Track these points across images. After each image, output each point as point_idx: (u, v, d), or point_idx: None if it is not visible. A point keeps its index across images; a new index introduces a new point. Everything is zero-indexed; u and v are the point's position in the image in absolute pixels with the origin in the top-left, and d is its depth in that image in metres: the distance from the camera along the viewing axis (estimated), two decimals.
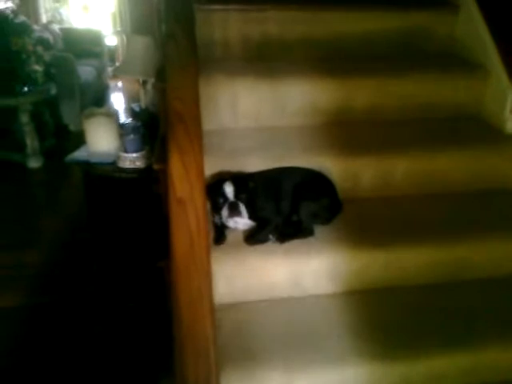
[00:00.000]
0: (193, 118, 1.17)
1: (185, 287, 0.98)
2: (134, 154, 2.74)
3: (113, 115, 2.94)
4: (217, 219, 1.89)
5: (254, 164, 2.00)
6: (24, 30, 4.70)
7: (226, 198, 1.80)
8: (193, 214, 1.04)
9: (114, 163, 2.81)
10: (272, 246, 1.83)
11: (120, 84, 6.97)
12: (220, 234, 1.86)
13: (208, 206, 1.91)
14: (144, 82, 3.14)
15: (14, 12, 5.18)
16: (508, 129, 2.24)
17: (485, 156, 2.17)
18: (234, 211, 1.80)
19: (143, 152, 2.77)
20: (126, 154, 2.74)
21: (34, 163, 4.68)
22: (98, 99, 6.06)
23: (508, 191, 2.20)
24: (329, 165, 2.04)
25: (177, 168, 1.08)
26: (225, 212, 1.81)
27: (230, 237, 1.87)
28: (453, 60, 2.55)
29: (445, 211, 2.07)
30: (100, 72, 6.61)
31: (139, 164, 2.75)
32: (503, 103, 2.26)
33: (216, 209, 1.86)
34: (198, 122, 1.19)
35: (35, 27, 5.78)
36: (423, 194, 2.16)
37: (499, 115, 2.28)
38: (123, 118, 3.01)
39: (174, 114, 1.17)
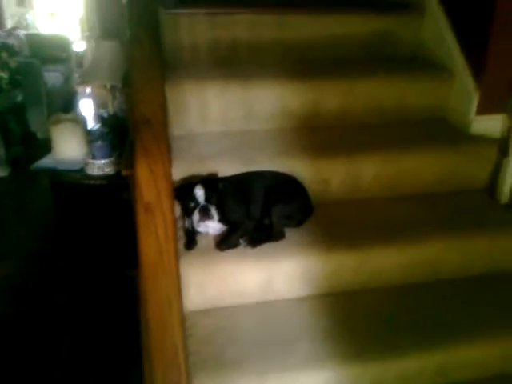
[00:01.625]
0: (159, 122, 1.15)
1: (153, 295, 0.96)
2: (103, 161, 2.70)
3: (80, 121, 2.89)
4: (187, 224, 1.87)
5: (224, 168, 1.98)
6: None
7: (196, 202, 1.78)
8: (160, 219, 1.03)
9: (81, 170, 2.76)
10: (243, 250, 1.82)
11: (88, 90, 6.88)
12: (191, 239, 1.84)
13: (178, 210, 1.89)
14: (112, 88, 3.10)
15: None
16: (473, 130, 2.28)
17: (451, 157, 2.20)
18: (206, 215, 1.78)
19: (112, 158, 2.73)
20: (94, 161, 2.70)
21: (1, 172, 4.58)
22: (66, 106, 5.95)
23: (475, 190, 2.24)
24: (299, 168, 2.04)
25: (143, 172, 1.06)
26: (196, 216, 1.79)
27: (201, 242, 1.85)
28: (419, 63, 2.59)
29: (414, 212, 2.09)
30: (67, 78, 6.51)
31: (108, 170, 2.71)
32: (468, 105, 2.29)
33: (187, 213, 1.83)
34: (165, 125, 1.18)
35: None
36: (393, 195, 2.17)
37: (465, 117, 2.31)
38: (91, 125, 2.95)
39: (140, 117, 1.15)
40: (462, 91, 2.34)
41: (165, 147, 1.12)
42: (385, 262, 1.90)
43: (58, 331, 2.58)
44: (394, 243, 1.91)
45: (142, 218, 1.03)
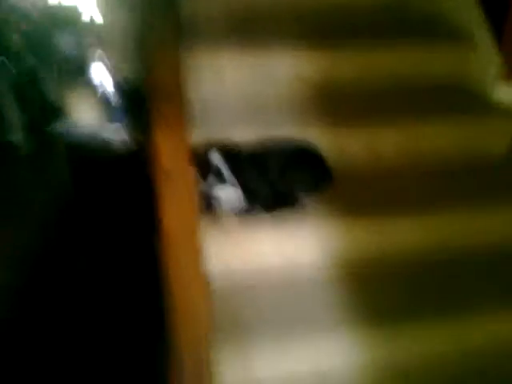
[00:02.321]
0: (176, 87, 1.13)
1: (176, 267, 0.96)
2: (118, 124, 2.69)
3: (94, 86, 2.87)
4: (203, 188, 1.87)
5: (241, 135, 1.97)
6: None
7: (212, 166, 1.79)
8: (181, 185, 1.02)
9: (97, 134, 2.76)
10: (263, 218, 1.82)
11: (103, 55, 6.80)
12: (207, 203, 1.84)
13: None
14: (126, 52, 3.06)
15: None
16: (495, 98, 2.23)
17: (471, 125, 2.17)
18: (220, 178, 1.79)
19: (127, 122, 2.71)
20: (109, 125, 2.69)
21: (15, 136, 4.59)
22: (80, 70, 5.91)
23: (498, 159, 2.20)
24: (317, 136, 2.02)
25: (162, 139, 1.05)
26: (211, 179, 1.79)
27: (218, 207, 1.85)
28: (439, 29, 2.51)
29: (437, 183, 2.06)
30: (80, 43, 6.46)
31: (123, 134, 2.70)
32: (490, 72, 2.24)
33: (202, 176, 1.83)
34: (182, 90, 1.16)
35: None
36: (412, 165, 2.14)
37: (486, 85, 2.26)
38: (107, 89, 2.94)
39: (156, 83, 1.13)
40: (483, 58, 2.29)
41: (182, 113, 1.11)
42: (406, 235, 1.90)
43: (76, 303, 2.60)
44: (415, 213, 1.91)
45: (162, 185, 1.02)
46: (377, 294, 1.76)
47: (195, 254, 0.97)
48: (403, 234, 1.89)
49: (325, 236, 1.84)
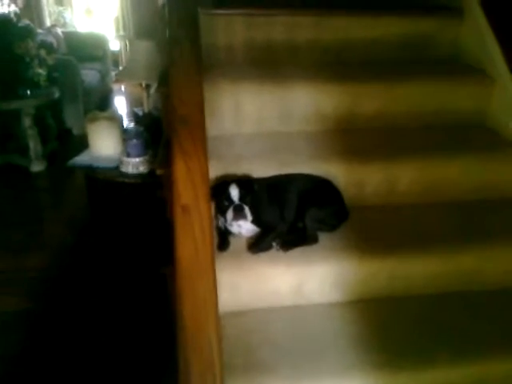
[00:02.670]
0: (197, 122, 1.15)
1: (189, 295, 0.95)
2: (137, 159, 2.72)
3: (116, 119, 2.92)
4: (221, 223, 1.87)
5: (259, 170, 1.98)
6: (27, 33, 4.70)
7: (231, 201, 1.78)
8: (198, 221, 1.02)
9: (116, 168, 2.79)
10: (276, 253, 1.80)
11: (123, 88, 6.97)
12: (224, 239, 1.84)
13: (212, 209, 1.90)
14: (147, 86, 3.13)
15: (17, 15, 5.18)
16: None
17: (491, 164, 2.15)
18: (239, 214, 1.78)
19: (146, 157, 2.75)
20: (128, 159, 2.72)
21: (37, 167, 4.67)
22: (102, 103, 6.05)
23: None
24: (335, 171, 2.02)
25: (181, 173, 1.06)
26: (229, 215, 1.79)
27: (234, 244, 1.85)
28: (458, 66, 2.54)
29: (451, 220, 2.04)
30: (103, 76, 6.61)
31: (142, 169, 2.73)
32: (509, 111, 2.23)
33: (221, 211, 1.83)
34: (202, 125, 1.17)
35: (39, 31, 5.79)
36: (429, 202, 2.13)
37: (505, 123, 2.25)
38: (126, 123, 2.99)
39: (178, 117, 1.15)
40: (502, 96, 2.28)
41: (202, 147, 1.12)
42: (419, 270, 1.86)
43: (89, 327, 2.61)
44: (429, 251, 1.87)
45: (179, 219, 1.02)
46: (389, 332, 1.72)
47: (209, 289, 0.96)
48: (418, 271, 1.86)
49: (341, 272, 1.81)
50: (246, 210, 1.78)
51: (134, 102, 3.16)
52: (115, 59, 7.76)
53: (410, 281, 1.87)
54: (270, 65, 2.48)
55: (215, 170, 1.94)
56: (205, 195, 1.06)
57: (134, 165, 2.72)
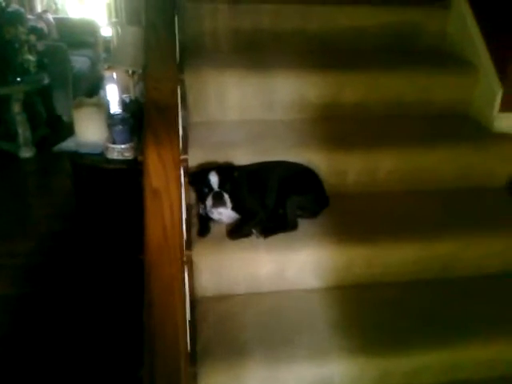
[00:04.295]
0: (170, 108, 1.15)
1: (157, 280, 0.97)
2: (122, 145, 2.72)
3: (103, 106, 2.92)
4: (201, 210, 1.89)
5: (241, 157, 1.99)
6: (17, 18, 4.66)
7: (210, 188, 1.79)
8: (167, 205, 1.03)
9: (102, 154, 2.79)
10: (256, 239, 1.82)
11: (115, 75, 6.90)
12: (204, 225, 1.86)
13: (193, 197, 1.91)
14: (133, 73, 3.12)
15: (7, 0, 5.14)
16: (496, 127, 2.24)
17: (473, 154, 2.17)
18: (219, 201, 1.79)
19: (131, 143, 2.75)
20: (114, 145, 2.72)
21: (26, 153, 4.66)
22: (92, 90, 6.01)
23: (494, 188, 2.21)
24: (316, 159, 2.04)
25: (152, 158, 1.07)
26: (209, 202, 1.80)
27: (215, 230, 1.86)
28: (443, 57, 2.55)
29: (431, 208, 2.07)
30: (94, 62, 6.57)
31: (127, 155, 2.73)
32: (492, 101, 2.25)
33: (201, 198, 1.85)
34: (176, 111, 1.18)
35: (29, 16, 5.74)
36: (409, 190, 2.16)
37: (487, 114, 2.27)
38: (115, 109, 2.98)
39: (151, 103, 1.16)
40: (485, 87, 2.30)
41: (175, 134, 1.13)
42: (397, 257, 1.89)
43: (73, 312, 2.63)
44: (408, 238, 1.90)
45: (149, 204, 1.04)
46: (366, 318, 1.75)
47: (177, 274, 0.98)
48: (397, 257, 1.89)
49: (320, 258, 1.83)
50: (226, 197, 1.79)
51: (123, 89, 3.14)
52: (107, 46, 7.69)
53: (387, 267, 1.89)
54: (255, 53, 2.49)
55: (197, 156, 1.95)
56: (176, 180, 1.07)
57: (120, 151, 2.72)
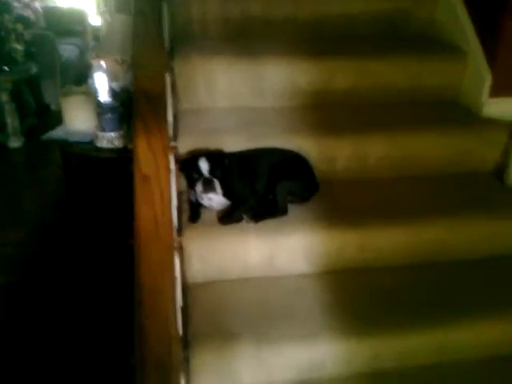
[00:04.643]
0: (158, 95, 1.15)
1: (147, 265, 0.97)
2: (112, 134, 2.70)
3: (91, 94, 2.89)
4: (192, 196, 1.89)
5: (231, 143, 1.99)
6: (3, 7, 4.61)
7: (200, 174, 1.79)
8: (158, 191, 1.04)
9: (91, 142, 2.78)
10: (246, 225, 1.83)
11: (103, 63, 6.83)
12: (195, 212, 1.86)
13: (184, 184, 1.91)
14: (123, 61, 3.09)
15: None
16: (485, 112, 2.25)
17: (462, 139, 2.18)
18: (209, 187, 1.80)
19: (121, 131, 2.73)
20: (103, 133, 2.71)
21: (15, 143, 4.63)
22: (80, 78, 5.95)
23: (483, 173, 2.22)
24: (306, 146, 2.04)
25: (142, 146, 1.07)
26: (199, 188, 1.80)
27: (205, 216, 1.86)
28: (433, 43, 2.55)
29: (421, 193, 2.08)
30: (83, 51, 6.51)
31: (117, 143, 2.71)
32: (480, 87, 2.26)
33: (191, 185, 1.85)
34: (165, 99, 1.18)
35: (16, 4, 5.67)
36: (399, 176, 2.16)
37: (476, 99, 2.28)
38: (104, 98, 2.96)
39: (140, 90, 1.15)
40: (474, 73, 2.30)
41: (164, 121, 1.13)
42: (388, 241, 1.90)
43: (66, 299, 2.63)
44: (398, 223, 1.91)
45: (139, 189, 1.04)
46: (357, 302, 1.76)
47: (167, 258, 0.98)
48: (387, 242, 1.90)
49: (311, 243, 1.84)
50: (216, 183, 1.79)
51: (112, 78, 3.11)
52: (96, 35, 7.61)
53: (379, 252, 1.90)
54: (245, 40, 2.48)
55: (187, 143, 1.95)
56: (165, 167, 1.07)
57: (109, 139, 2.70)
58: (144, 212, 1.01)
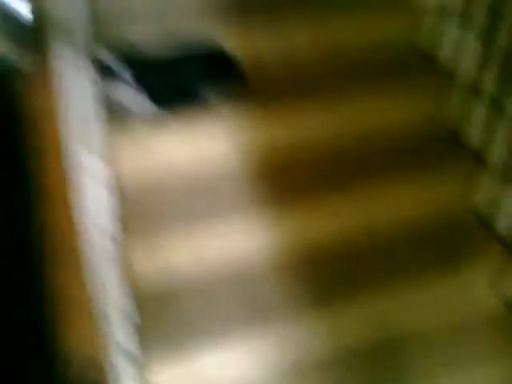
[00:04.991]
0: None
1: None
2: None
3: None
4: (105, 90, 1.74)
5: (142, 31, 1.90)
6: None
7: (104, 66, 1.70)
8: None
9: None
10: (168, 118, 1.79)
11: None
12: (111, 108, 1.73)
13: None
14: None
15: None
16: None
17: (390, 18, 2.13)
18: (116, 79, 1.72)
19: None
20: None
21: None
22: None
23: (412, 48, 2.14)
24: (230, 38, 1.94)
25: None
26: (108, 81, 1.71)
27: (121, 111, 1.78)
28: None
29: (350, 75, 2.02)
30: None
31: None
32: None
33: (103, 78, 1.71)
34: None
35: None
36: (326, 61, 2.06)
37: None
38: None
39: None
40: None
41: None
42: (315, 126, 1.88)
43: None
44: (327, 108, 1.90)
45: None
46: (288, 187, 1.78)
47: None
48: (314, 128, 1.88)
49: (239, 138, 1.82)
50: (123, 73, 1.71)
51: None
52: None
53: (307, 139, 1.87)
54: None
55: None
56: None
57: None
58: None
